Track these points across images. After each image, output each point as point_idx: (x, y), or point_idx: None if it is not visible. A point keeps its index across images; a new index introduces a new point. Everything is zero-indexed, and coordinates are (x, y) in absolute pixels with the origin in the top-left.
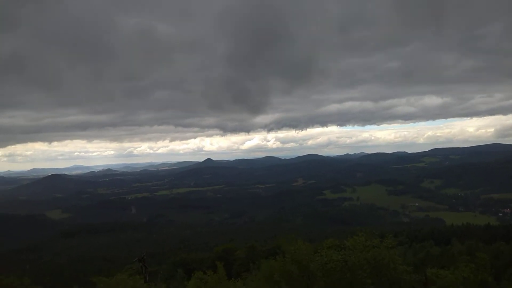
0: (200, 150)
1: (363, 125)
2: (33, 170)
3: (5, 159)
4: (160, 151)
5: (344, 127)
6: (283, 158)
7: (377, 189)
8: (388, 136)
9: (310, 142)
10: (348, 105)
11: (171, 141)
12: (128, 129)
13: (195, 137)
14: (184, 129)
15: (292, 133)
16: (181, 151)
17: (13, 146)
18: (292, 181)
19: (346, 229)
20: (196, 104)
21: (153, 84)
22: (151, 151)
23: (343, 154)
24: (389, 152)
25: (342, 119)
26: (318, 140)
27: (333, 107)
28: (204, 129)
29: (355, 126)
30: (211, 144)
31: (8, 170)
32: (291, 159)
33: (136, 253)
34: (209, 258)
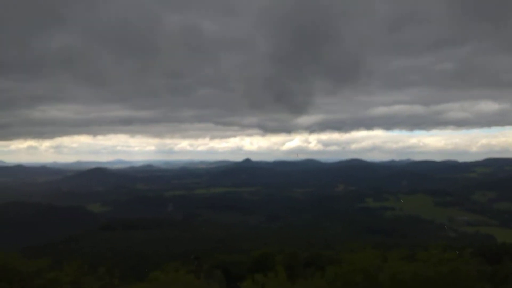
0: (239, 149)
1: (411, 130)
2: (78, 162)
3: (52, 150)
4: (200, 148)
5: (390, 131)
6: (324, 161)
7: (423, 199)
8: (438, 142)
9: (353, 146)
10: (396, 108)
11: (211, 139)
12: (169, 126)
13: (235, 136)
14: (224, 127)
15: (335, 136)
16: (220, 150)
17: (60, 138)
18: (333, 186)
19: (388, 241)
20: (237, 102)
21: (196, 81)
22: (191, 149)
23: (388, 160)
24: (438, 160)
25: (388, 122)
26: (362, 144)
27: (380, 110)
28: (244, 128)
29: (403, 131)
30: (251, 143)
31: (55, 161)
32: (333, 163)
33: (173, 251)
34: (246, 261)
